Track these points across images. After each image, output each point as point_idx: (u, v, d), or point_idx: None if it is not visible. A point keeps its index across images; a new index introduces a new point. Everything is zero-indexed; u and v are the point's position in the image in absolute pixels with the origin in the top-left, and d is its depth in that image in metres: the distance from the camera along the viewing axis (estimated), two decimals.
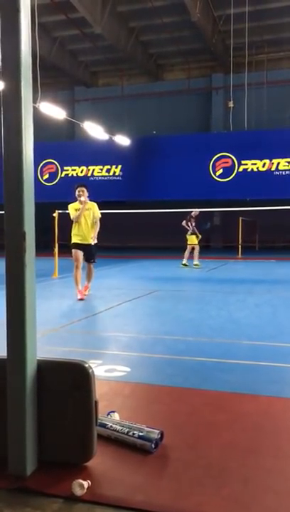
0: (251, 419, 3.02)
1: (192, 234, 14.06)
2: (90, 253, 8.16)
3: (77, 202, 8.06)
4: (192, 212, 14.14)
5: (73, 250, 8.07)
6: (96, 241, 8.23)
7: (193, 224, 14.07)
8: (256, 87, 20.71)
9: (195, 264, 14.05)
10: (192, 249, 14.16)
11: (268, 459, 2.49)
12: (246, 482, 2.25)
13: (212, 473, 2.33)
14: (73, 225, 8.07)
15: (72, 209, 8.09)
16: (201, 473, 2.33)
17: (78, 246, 8.02)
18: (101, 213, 8.25)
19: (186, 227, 14.06)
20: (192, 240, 14.09)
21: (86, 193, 8.08)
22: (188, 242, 14.16)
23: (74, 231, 8.08)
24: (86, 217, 8.01)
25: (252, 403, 3.32)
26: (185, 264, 14.12)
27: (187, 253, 14.21)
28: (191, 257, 14.18)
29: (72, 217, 8.09)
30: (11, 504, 2.12)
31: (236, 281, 11.42)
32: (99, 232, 8.24)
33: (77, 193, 8.07)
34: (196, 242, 14.09)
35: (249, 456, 2.51)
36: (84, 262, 8.15)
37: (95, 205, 8.16)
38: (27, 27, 2.31)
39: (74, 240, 8.07)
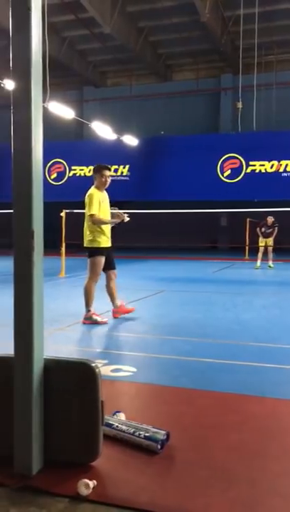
0: (257, 421, 3.00)
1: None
2: (113, 257, 6.33)
3: (100, 188, 6.14)
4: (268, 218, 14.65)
5: (100, 258, 6.04)
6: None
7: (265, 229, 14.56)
8: (266, 88, 20.62)
9: (258, 267, 14.32)
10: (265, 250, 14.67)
11: (274, 462, 2.47)
12: (252, 484, 2.24)
13: (219, 475, 2.32)
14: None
15: (96, 200, 5.98)
16: (207, 475, 2.32)
17: (104, 252, 6.10)
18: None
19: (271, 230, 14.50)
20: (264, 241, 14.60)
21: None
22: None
23: (100, 229, 6.04)
24: (106, 211, 6.16)
25: (259, 405, 3.30)
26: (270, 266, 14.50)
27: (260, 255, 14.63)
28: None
29: (93, 211, 5.95)
30: (17, 503, 2.12)
31: (243, 282, 11.38)
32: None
33: (106, 179, 6.11)
34: (263, 244, 14.58)
35: (255, 459, 2.50)
36: (107, 271, 6.24)
37: None
38: (38, 26, 2.31)
39: (103, 242, 6.05)
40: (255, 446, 2.65)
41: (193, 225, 21.93)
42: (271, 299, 8.57)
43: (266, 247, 14.67)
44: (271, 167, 18.70)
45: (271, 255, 14.68)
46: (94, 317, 6.06)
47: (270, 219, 14.62)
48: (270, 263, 14.52)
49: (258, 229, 14.70)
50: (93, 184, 6.23)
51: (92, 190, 6.12)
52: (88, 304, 6.07)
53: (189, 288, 9.98)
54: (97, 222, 5.97)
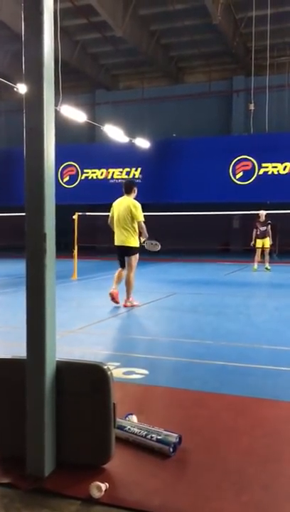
0: (271, 425, 2.98)
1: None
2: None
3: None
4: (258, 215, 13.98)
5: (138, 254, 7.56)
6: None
7: (259, 227, 13.92)
8: (278, 89, 20.57)
9: (255, 269, 13.92)
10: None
11: (288, 466, 2.44)
12: (266, 489, 2.22)
13: (232, 479, 2.30)
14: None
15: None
16: (220, 479, 2.31)
17: None
18: None
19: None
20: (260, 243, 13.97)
21: None
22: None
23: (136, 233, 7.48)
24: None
25: (272, 408, 3.27)
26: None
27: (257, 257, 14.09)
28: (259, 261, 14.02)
29: (142, 218, 7.39)
30: (29, 505, 2.12)
31: (255, 284, 11.32)
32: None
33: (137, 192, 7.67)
34: (260, 245, 13.92)
35: (269, 463, 2.47)
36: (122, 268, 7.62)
37: None
38: (50, 29, 2.31)
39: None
40: (268, 450, 2.63)
41: (205, 227, 21.87)
42: (284, 301, 8.51)
43: (262, 249, 13.89)
44: (284, 169, 18.61)
45: (267, 257, 14.03)
46: (135, 302, 7.43)
47: (263, 213, 13.79)
48: (267, 265, 13.93)
49: (255, 230, 13.89)
50: (124, 195, 7.54)
51: (135, 201, 7.41)
52: (131, 292, 7.41)
53: (201, 290, 9.95)
54: (144, 228, 7.36)
